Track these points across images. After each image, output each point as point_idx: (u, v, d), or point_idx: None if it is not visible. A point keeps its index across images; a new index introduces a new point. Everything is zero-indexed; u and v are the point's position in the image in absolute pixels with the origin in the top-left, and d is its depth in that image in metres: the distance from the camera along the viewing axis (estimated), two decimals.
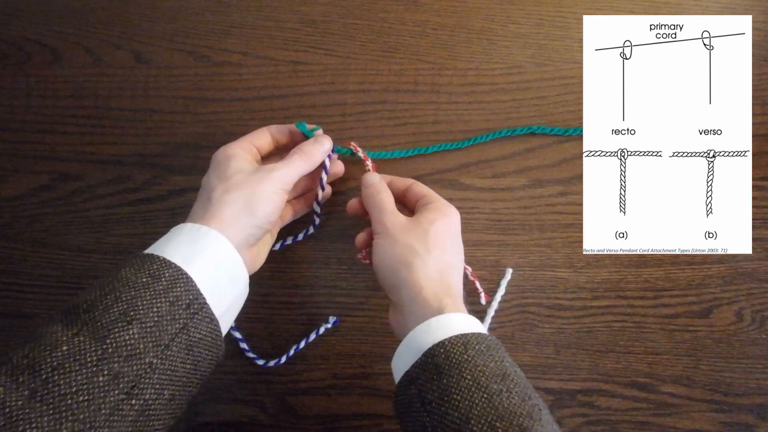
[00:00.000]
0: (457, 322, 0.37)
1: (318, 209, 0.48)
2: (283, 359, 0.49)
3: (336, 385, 0.50)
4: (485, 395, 0.32)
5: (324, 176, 0.46)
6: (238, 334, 0.49)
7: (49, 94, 0.52)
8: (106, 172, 0.52)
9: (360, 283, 0.50)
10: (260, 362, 0.49)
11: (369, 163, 0.47)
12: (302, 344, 0.50)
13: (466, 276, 0.49)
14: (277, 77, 0.52)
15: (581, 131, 0.50)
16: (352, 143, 0.47)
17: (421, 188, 0.45)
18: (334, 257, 0.50)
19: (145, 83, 0.52)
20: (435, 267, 0.40)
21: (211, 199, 0.40)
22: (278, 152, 0.47)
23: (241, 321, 0.50)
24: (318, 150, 0.44)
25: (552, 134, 0.50)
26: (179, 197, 0.51)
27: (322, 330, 0.50)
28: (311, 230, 0.50)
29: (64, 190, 0.51)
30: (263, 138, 0.45)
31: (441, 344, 0.35)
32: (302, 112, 0.51)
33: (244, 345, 0.49)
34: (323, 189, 0.47)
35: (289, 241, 0.50)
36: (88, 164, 0.52)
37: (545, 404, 0.34)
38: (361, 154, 0.47)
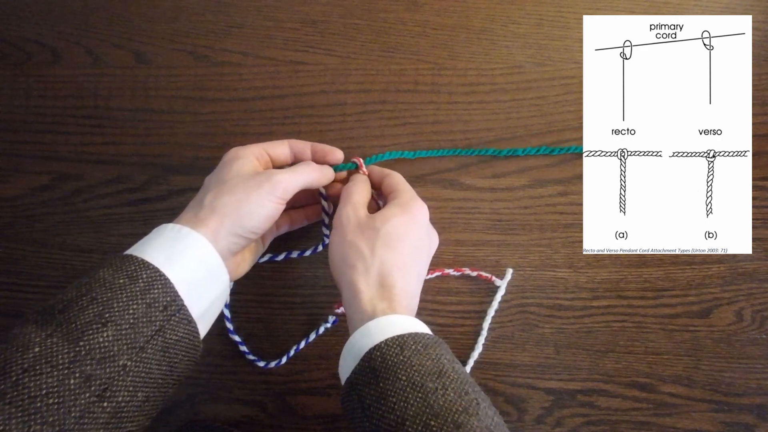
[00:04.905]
0: (395, 323, 0.36)
1: (327, 231, 0.48)
2: (284, 360, 0.49)
3: (336, 385, 0.50)
4: (420, 395, 0.32)
5: (325, 204, 0.47)
6: (237, 338, 0.49)
7: (49, 94, 0.52)
8: (106, 172, 0.52)
9: None
10: (260, 364, 0.49)
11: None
12: (302, 344, 0.50)
13: (468, 275, 0.49)
14: (277, 77, 0.51)
15: (566, 151, 0.50)
16: (363, 166, 0.47)
17: (394, 180, 0.45)
18: None
19: (145, 83, 0.52)
20: (378, 270, 0.39)
21: (202, 201, 0.40)
22: None
23: (241, 321, 0.50)
24: (327, 169, 0.44)
25: (539, 155, 0.50)
26: (179, 197, 0.51)
27: (321, 330, 0.50)
28: (320, 248, 0.49)
29: (64, 190, 0.51)
30: (280, 149, 0.44)
31: (377, 347, 0.34)
32: (302, 112, 0.51)
33: (244, 348, 0.49)
34: (328, 215, 0.47)
35: (294, 254, 0.49)
36: (88, 164, 0.52)
37: (487, 397, 0.33)
38: (364, 170, 0.47)
